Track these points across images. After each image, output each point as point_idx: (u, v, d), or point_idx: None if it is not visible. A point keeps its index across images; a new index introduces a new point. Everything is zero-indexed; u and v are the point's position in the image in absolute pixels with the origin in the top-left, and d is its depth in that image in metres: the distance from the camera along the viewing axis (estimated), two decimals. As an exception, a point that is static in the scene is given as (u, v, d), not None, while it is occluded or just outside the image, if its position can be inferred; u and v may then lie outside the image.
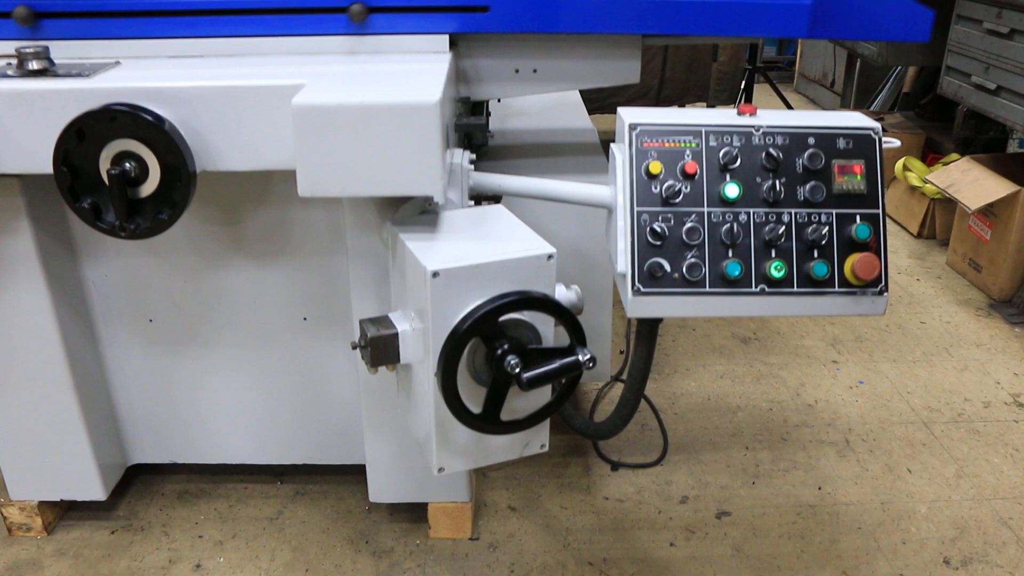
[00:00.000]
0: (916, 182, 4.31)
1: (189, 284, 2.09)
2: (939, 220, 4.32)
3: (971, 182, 3.67)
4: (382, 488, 2.20)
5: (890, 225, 4.49)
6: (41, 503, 2.25)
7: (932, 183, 3.91)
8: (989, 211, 3.68)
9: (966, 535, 2.34)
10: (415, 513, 2.34)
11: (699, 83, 5.26)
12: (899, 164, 4.43)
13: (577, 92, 3.25)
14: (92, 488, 2.22)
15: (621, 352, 3.14)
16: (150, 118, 1.52)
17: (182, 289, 2.10)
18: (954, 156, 4.21)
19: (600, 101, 5.09)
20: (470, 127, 1.95)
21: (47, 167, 1.56)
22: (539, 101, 3.08)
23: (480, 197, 1.94)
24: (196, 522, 2.34)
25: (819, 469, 2.61)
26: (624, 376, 2.71)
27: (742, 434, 2.78)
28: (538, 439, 1.77)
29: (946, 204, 4.23)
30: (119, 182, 1.52)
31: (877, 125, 1.68)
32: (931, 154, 4.62)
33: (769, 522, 2.38)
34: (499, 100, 2.63)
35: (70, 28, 1.86)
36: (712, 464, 2.62)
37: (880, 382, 3.10)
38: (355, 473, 2.43)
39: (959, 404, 2.98)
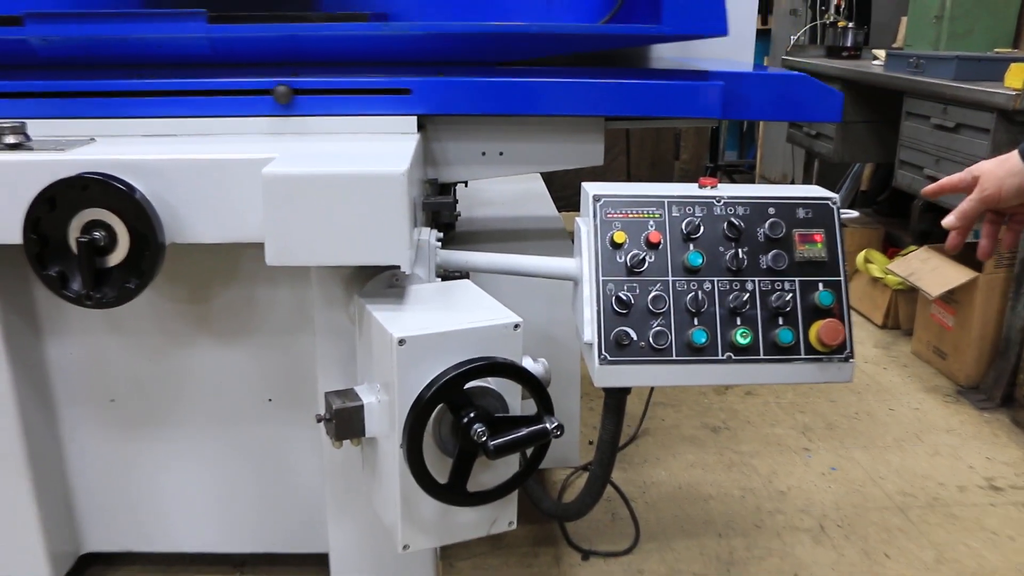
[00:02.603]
0: (878, 273, 4.41)
1: (153, 363, 2.08)
2: (902, 310, 4.41)
3: (931, 270, 3.76)
4: (346, 577, 2.15)
5: (856, 317, 4.56)
6: (-14, 593, 2.17)
7: (894, 272, 4.00)
8: (950, 298, 3.76)
9: (944, 618, 2.33)
10: (381, 604, 2.28)
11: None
12: (860, 257, 4.53)
13: (543, 184, 3.33)
14: (41, 578, 2.15)
15: (591, 443, 3.13)
16: (122, 187, 1.55)
17: (146, 368, 2.08)
18: (912, 248, 4.32)
19: (566, 200, 5.21)
20: (438, 205, 1.99)
21: (16, 238, 1.57)
22: (505, 191, 3.15)
23: (447, 275, 1.97)
24: (151, 617, 2.27)
25: (795, 556, 2.59)
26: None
27: (715, 521, 2.76)
28: (506, 516, 1.75)
29: (908, 295, 4.32)
30: (87, 250, 1.54)
31: (835, 195, 1.74)
32: (891, 248, 4.73)
33: (744, 608, 2.35)
34: (466, 184, 2.69)
35: (47, 107, 1.90)
36: (685, 552, 2.59)
37: (853, 468, 3.11)
38: (318, 563, 2.37)
39: (934, 489, 2.98)
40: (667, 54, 2.67)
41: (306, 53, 2.04)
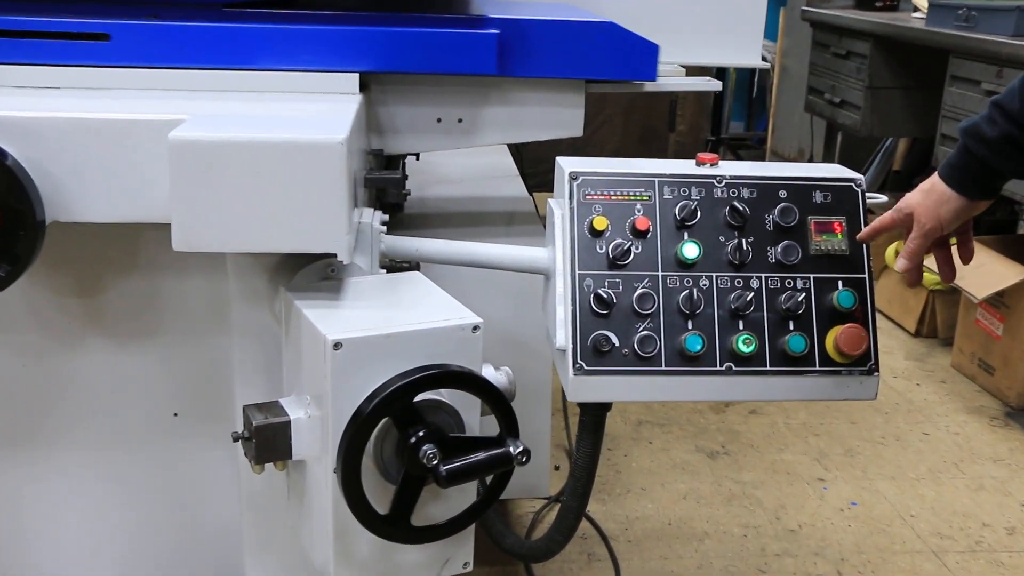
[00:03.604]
0: (912, 271, 4.47)
1: (29, 369, 2.07)
2: (940, 315, 4.48)
3: (976, 267, 3.82)
4: (266, 629, 2.16)
5: (883, 322, 4.64)
6: None
7: (930, 270, 4.06)
8: (999, 301, 3.83)
9: None
10: (308, 663, 2.29)
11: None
12: (890, 251, 4.60)
13: (511, 159, 3.35)
14: None
15: (556, 468, 3.16)
16: (-12, 151, 1.55)
17: (20, 375, 2.07)
18: (955, 241, 4.39)
19: (539, 178, 5.24)
20: (383, 182, 2.01)
21: None
22: (465, 167, 3.17)
23: (393, 265, 1.98)
24: None
25: (805, 607, 2.65)
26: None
27: (711, 565, 2.80)
28: (461, 555, 1.77)
29: (948, 296, 4.39)
30: (-57, 229, 1.53)
31: (860, 176, 1.77)
32: (928, 240, 4.80)
33: (745, 669, 2.40)
34: (418, 157, 2.70)
35: None
36: (676, 601, 2.64)
37: (877, 503, 3.16)
38: (233, 613, 2.39)
39: (976, 530, 3.04)
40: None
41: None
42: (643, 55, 2.17)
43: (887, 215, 1.75)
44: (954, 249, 1.84)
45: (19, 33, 1.91)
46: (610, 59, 2.15)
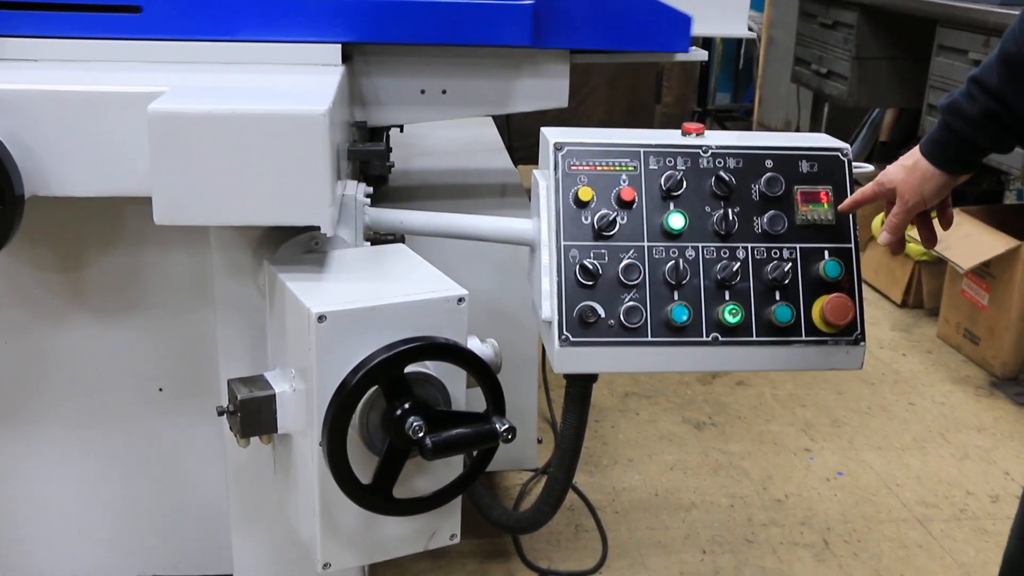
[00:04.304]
0: (898, 241, 4.48)
1: (11, 345, 2.06)
2: (926, 286, 4.50)
3: (962, 237, 3.84)
4: (254, 604, 2.17)
5: (870, 293, 4.65)
6: None
7: (916, 240, 4.07)
8: (985, 271, 3.84)
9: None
10: (296, 636, 2.30)
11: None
12: (876, 221, 4.60)
13: (496, 131, 3.34)
14: None
15: (539, 441, 3.16)
16: (-36, 124, 1.54)
17: (2, 351, 2.06)
18: (935, 215, 4.40)
19: (524, 151, 5.23)
20: (366, 154, 1.99)
21: None
22: (450, 139, 3.15)
23: (378, 238, 1.98)
24: (14, 655, 2.27)
25: (792, 576, 2.66)
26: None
27: (698, 535, 2.81)
28: (447, 528, 1.77)
29: (933, 267, 4.41)
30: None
31: (847, 146, 1.77)
32: (914, 210, 4.81)
33: (733, 639, 2.41)
34: (402, 129, 2.69)
35: None
36: (662, 571, 2.64)
37: (863, 473, 3.18)
38: (220, 588, 2.39)
39: (961, 499, 3.06)
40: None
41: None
42: (676, 26, 2.14)
43: (868, 187, 1.76)
44: (936, 221, 1.84)
45: (-4, 5, 1.90)
46: (644, 30, 2.13)
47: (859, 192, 1.77)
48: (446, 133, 3.15)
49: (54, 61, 1.90)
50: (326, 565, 1.68)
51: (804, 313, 1.71)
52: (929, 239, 1.83)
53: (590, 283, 1.68)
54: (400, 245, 1.87)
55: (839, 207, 1.76)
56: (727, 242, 1.71)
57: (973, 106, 1.56)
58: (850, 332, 1.72)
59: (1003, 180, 4.63)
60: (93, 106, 1.63)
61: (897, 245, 1.77)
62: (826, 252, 1.73)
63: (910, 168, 1.68)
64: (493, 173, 2.84)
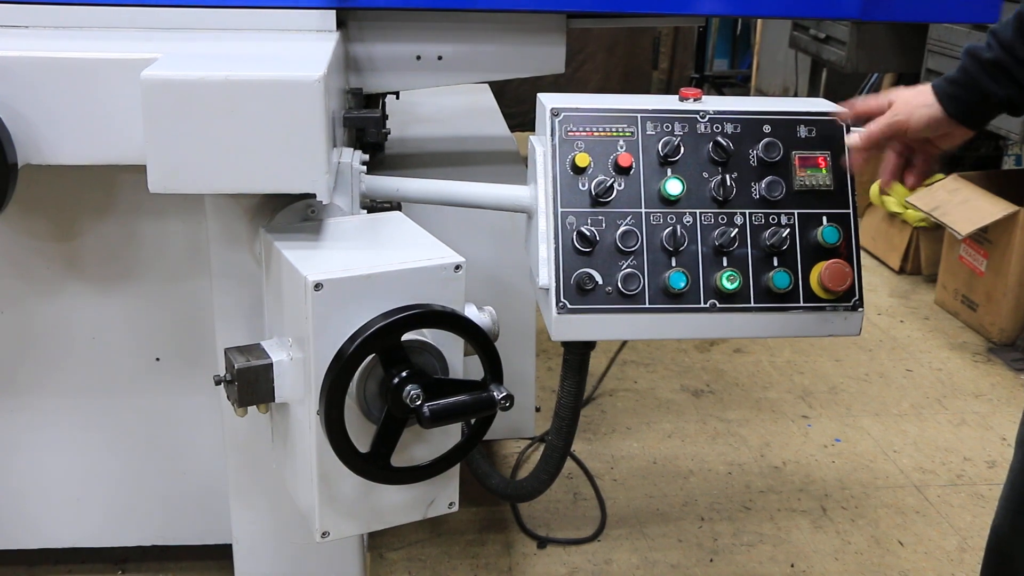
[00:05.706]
0: (896, 208, 4.48)
1: (7, 315, 2.06)
2: (924, 252, 4.50)
3: (960, 203, 3.84)
4: (252, 573, 2.17)
5: (868, 260, 4.65)
6: None
7: (915, 206, 4.08)
8: (983, 237, 3.84)
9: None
10: (295, 604, 2.31)
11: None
12: (874, 187, 4.60)
13: (492, 97, 3.32)
14: None
15: (538, 409, 3.16)
16: (-43, 92, 1.53)
17: (-2, 321, 2.07)
18: (939, 176, 4.39)
19: (520, 117, 5.21)
20: (362, 121, 1.98)
21: None
22: (445, 106, 3.14)
23: (374, 206, 1.97)
24: (13, 624, 2.28)
25: (791, 543, 2.67)
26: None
27: (696, 503, 2.82)
28: (445, 496, 1.78)
29: (932, 233, 4.40)
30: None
31: (844, 110, 1.76)
32: (913, 176, 4.80)
33: (730, 604, 2.43)
34: (397, 96, 2.68)
35: None
36: (661, 539, 2.66)
37: (861, 440, 3.19)
38: (219, 556, 2.39)
39: (958, 464, 3.08)
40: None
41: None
42: None
43: (871, 98, 1.70)
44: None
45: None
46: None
47: (862, 101, 1.71)
48: (442, 100, 3.14)
49: (45, 28, 1.89)
50: (324, 534, 1.68)
51: (802, 279, 1.71)
52: (886, 181, 1.76)
53: (587, 250, 1.67)
54: (397, 213, 1.87)
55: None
56: (725, 208, 1.71)
57: (988, 52, 1.57)
58: (848, 298, 1.72)
59: (1001, 145, 4.62)
60: (85, 73, 1.62)
61: (860, 155, 1.71)
62: (824, 218, 1.73)
63: (917, 91, 1.65)
64: (489, 140, 2.83)
